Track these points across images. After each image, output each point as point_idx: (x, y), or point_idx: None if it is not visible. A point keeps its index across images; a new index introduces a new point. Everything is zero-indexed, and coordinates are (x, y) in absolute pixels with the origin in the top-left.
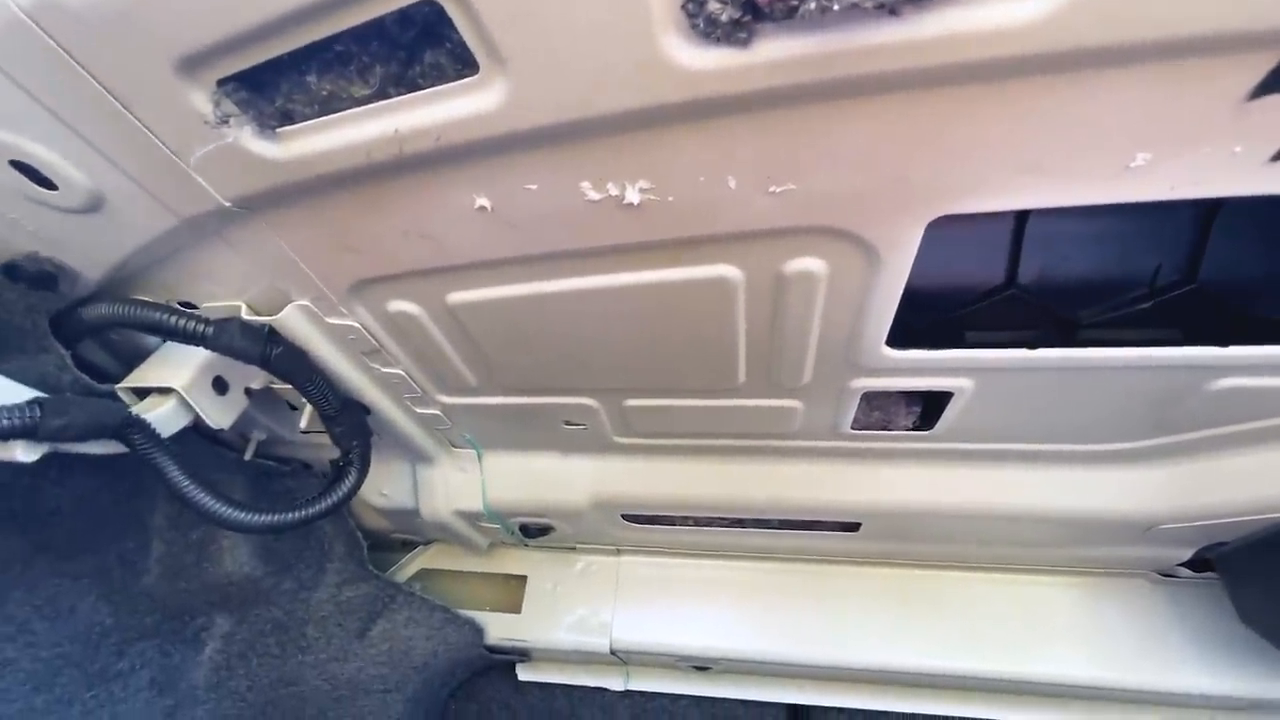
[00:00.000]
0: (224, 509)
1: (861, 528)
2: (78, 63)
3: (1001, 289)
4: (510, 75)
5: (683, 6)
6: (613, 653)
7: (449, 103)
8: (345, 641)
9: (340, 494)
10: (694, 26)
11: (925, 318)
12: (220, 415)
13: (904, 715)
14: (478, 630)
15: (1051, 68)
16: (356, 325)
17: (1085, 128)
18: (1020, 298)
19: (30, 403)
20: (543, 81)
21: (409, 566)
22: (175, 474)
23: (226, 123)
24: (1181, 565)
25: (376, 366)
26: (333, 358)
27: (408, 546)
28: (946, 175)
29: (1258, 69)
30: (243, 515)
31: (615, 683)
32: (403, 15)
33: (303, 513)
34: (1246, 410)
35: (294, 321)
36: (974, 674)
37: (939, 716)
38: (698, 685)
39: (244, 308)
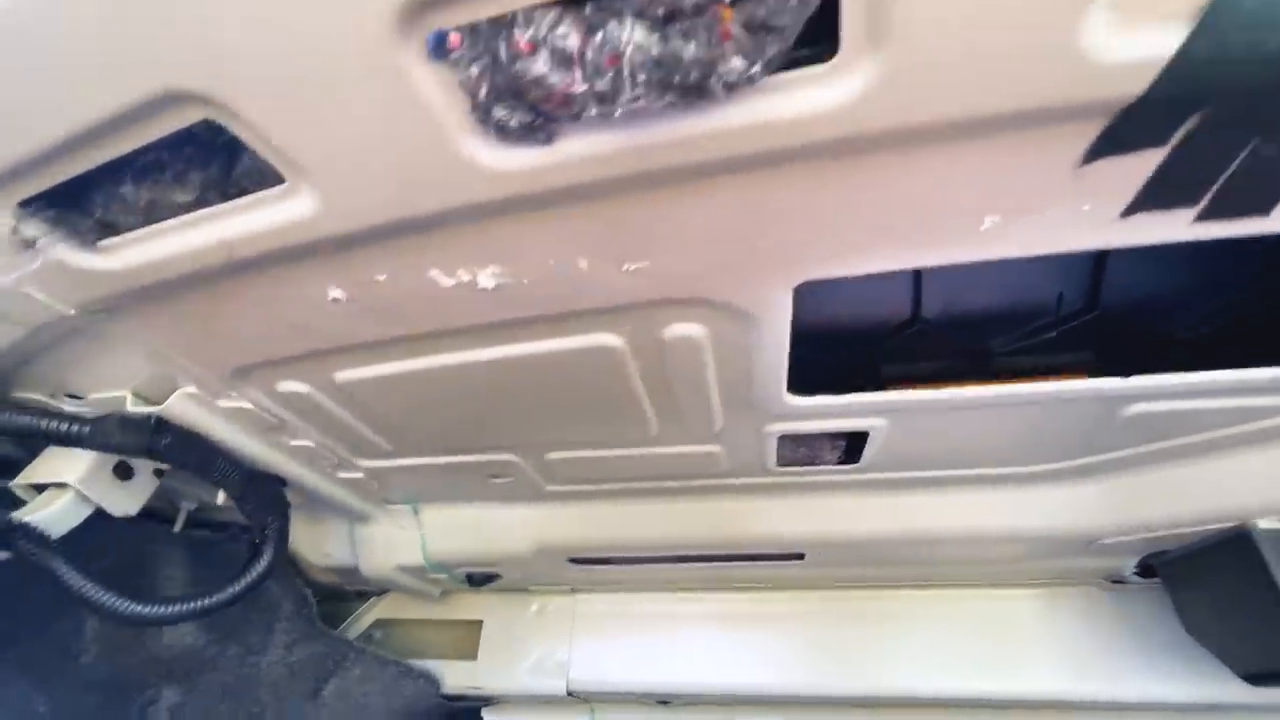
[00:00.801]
0: (126, 606)
1: (805, 557)
2: None
3: (908, 324)
4: (317, 184)
5: (471, 114)
6: (570, 693)
7: (266, 210)
8: (299, 703)
9: (254, 575)
10: (488, 133)
11: (837, 356)
12: (124, 503)
13: None
14: (433, 681)
15: (874, 146)
16: (250, 406)
17: (927, 197)
18: (928, 332)
19: None
20: (350, 188)
21: (365, 617)
22: (69, 576)
23: (33, 245)
24: (1132, 573)
25: (284, 440)
26: (233, 438)
27: (363, 596)
28: (798, 246)
29: (1085, 136)
30: (148, 610)
31: None
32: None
33: (215, 599)
34: (1163, 430)
35: (182, 408)
36: (937, 695)
37: None
38: (663, 717)
39: (129, 397)
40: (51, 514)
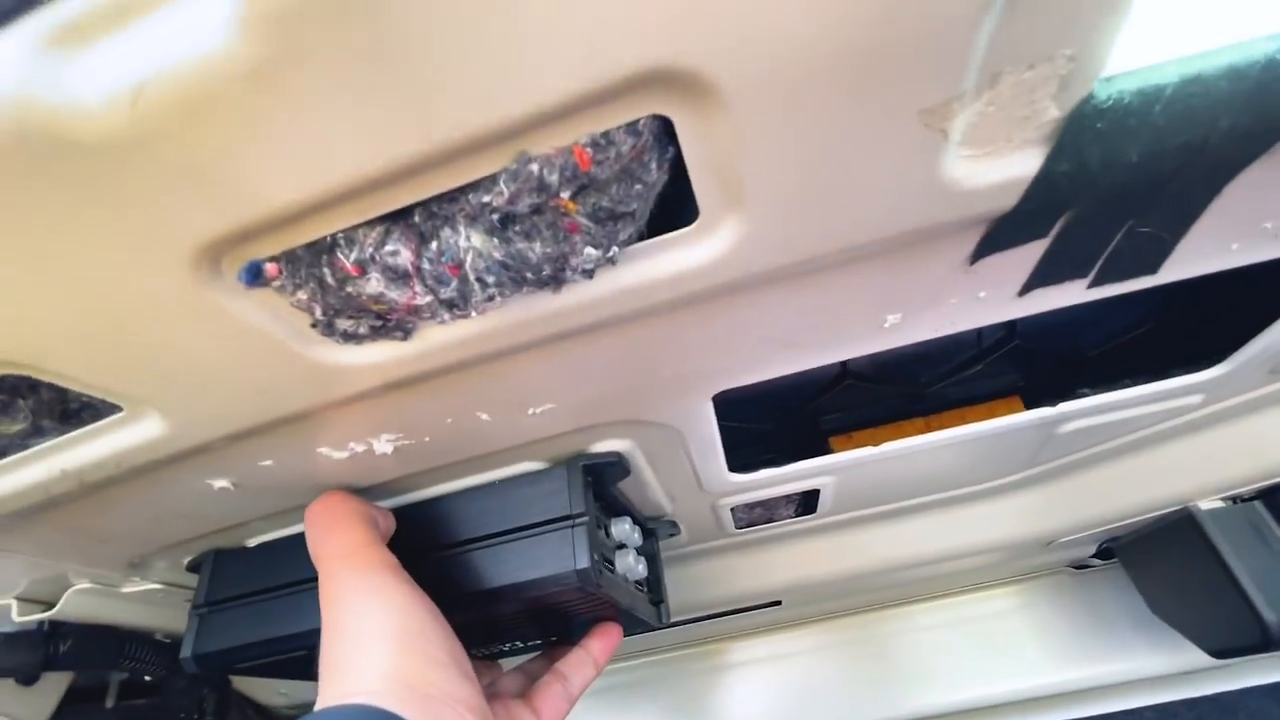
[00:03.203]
0: None
1: (783, 602)
2: None
3: (838, 380)
4: (159, 409)
5: (312, 328)
6: None
7: (108, 438)
8: None
9: None
10: (336, 342)
11: (774, 419)
12: (32, 710)
13: None
14: None
15: (756, 284)
16: (159, 586)
17: (823, 312)
18: (858, 385)
19: None
20: (198, 408)
21: None
22: None
23: None
24: (1092, 557)
25: None
26: (148, 620)
27: None
28: (704, 368)
29: (967, 242)
30: None
31: None
32: None
33: None
34: (1096, 439)
35: (79, 607)
36: (937, 709)
37: None
38: None
39: (15, 605)
40: None
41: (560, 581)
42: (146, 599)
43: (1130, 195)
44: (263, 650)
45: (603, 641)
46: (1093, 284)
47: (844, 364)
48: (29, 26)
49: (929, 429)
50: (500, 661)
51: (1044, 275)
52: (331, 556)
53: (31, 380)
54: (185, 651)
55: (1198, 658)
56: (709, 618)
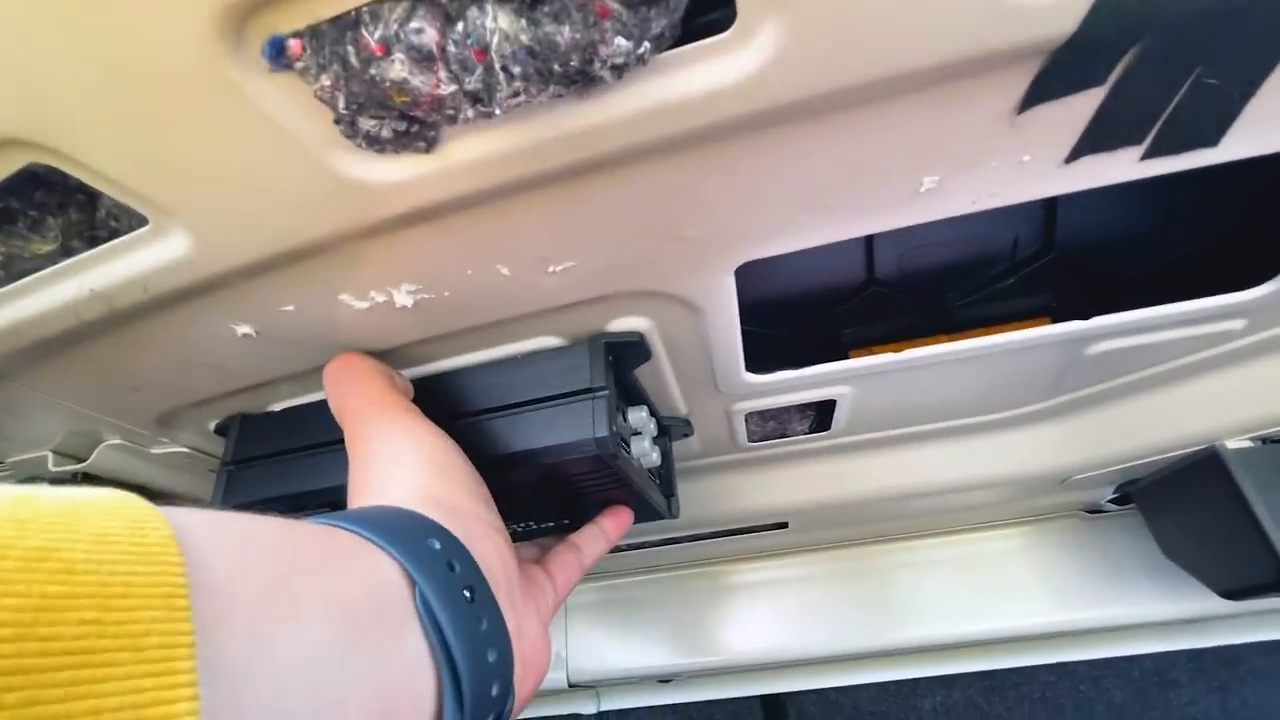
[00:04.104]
0: None
1: (789, 524)
2: None
3: (863, 288)
4: (183, 222)
5: (336, 125)
6: (571, 685)
7: (135, 255)
8: None
9: None
10: (359, 146)
11: (795, 328)
12: None
13: (876, 685)
14: None
15: (790, 118)
16: (186, 450)
17: (858, 164)
18: (883, 293)
19: None
20: (221, 223)
21: None
22: None
23: None
24: (1108, 502)
25: None
26: (173, 483)
27: None
28: (728, 229)
29: (1018, 85)
30: None
31: (587, 707)
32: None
33: None
34: (1126, 366)
35: (110, 463)
36: (935, 641)
37: (910, 680)
38: (669, 694)
39: (50, 457)
40: None
41: (578, 449)
42: (173, 463)
43: (1202, 29)
44: (290, 504)
45: (614, 520)
46: (1147, 154)
47: (870, 271)
48: None
49: (952, 342)
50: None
51: (1096, 137)
52: (355, 406)
53: (60, 199)
54: (215, 502)
55: (1204, 607)
56: (715, 535)
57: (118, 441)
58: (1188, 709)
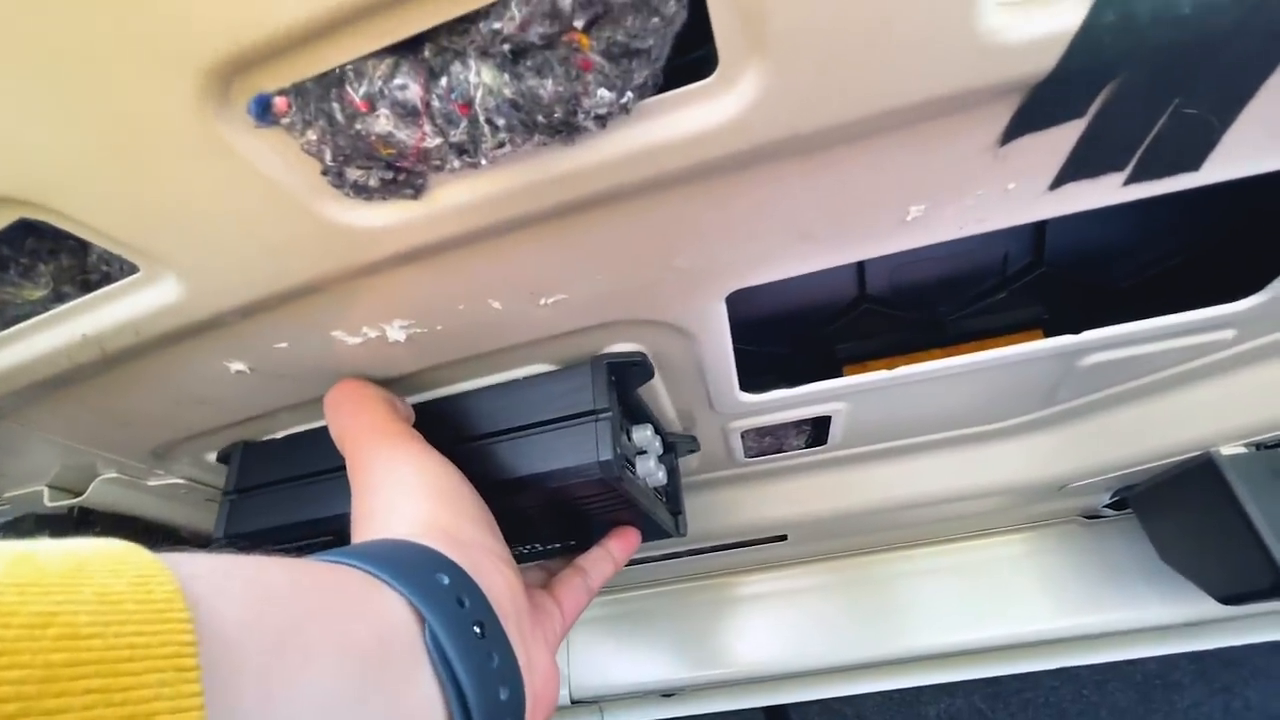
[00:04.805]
0: None
1: (788, 537)
2: None
3: (855, 304)
4: (175, 270)
5: (323, 175)
6: (574, 701)
7: (127, 300)
8: None
9: None
10: (347, 194)
11: (789, 345)
12: None
13: (879, 693)
14: None
15: (775, 155)
16: (182, 482)
17: (844, 196)
18: (875, 310)
19: None
20: (212, 269)
21: None
22: None
23: None
24: (1105, 507)
25: None
26: (171, 514)
27: None
28: (718, 259)
29: (1000, 118)
30: None
31: None
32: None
33: None
34: (1119, 376)
35: (106, 496)
36: (936, 649)
37: (913, 688)
38: (672, 708)
39: (46, 492)
40: None
41: (582, 473)
42: (170, 494)
43: (1179, 61)
44: (293, 533)
45: (621, 542)
46: (1130, 179)
47: (861, 288)
48: None
49: (946, 358)
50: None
51: (1078, 165)
52: (357, 433)
53: (52, 246)
54: (218, 533)
55: (1204, 610)
56: (716, 549)
57: (113, 475)
58: (1191, 711)
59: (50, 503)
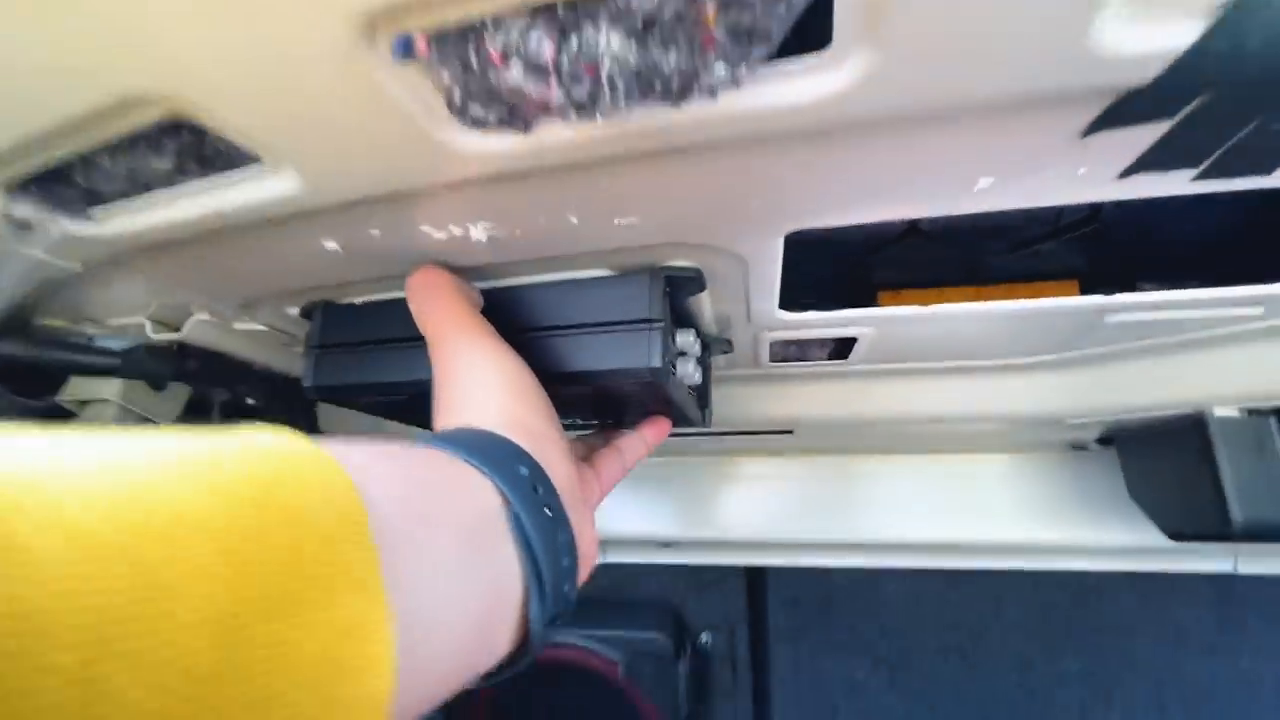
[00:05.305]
0: None
1: (794, 432)
2: None
3: (903, 235)
4: (293, 164)
5: (446, 108)
6: None
7: (249, 186)
8: None
9: None
10: (465, 124)
11: (831, 266)
12: (163, 411)
13: (850, 569)
14: None
15: (865, 130)
16: (263, 328)
17: (920, 166)
18: (924, 243)
19: None
20: (329, 170)
21: None
22: None
23: (28, 226)
24: (1095, 442)
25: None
26: (253, 353)
27: None
28: (787, 205)
29: (1087, 112)
30: None
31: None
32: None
33: None
34: (1139, 334)
35: (200, 334)
36: (914, 540)
37: (886, 569)
38: (666, 556)
39: (148, 324)
40: (102, 425)
41: (634, 375)
42: (252, 337)
43: (1276, 87)
44: (376, 390)
45: (655, 429)
46: (1200, 176)
47: (914, 221)
48: None
49: (979, 299)
50: None
51: (1154, 160)
52: (439, 323)
53: (175, 123)
54: (307, 381)
55: (1149, 540)
56: (727, 434)
57: (205, 317)
58: (1117, 616)
59: (154, 335)
